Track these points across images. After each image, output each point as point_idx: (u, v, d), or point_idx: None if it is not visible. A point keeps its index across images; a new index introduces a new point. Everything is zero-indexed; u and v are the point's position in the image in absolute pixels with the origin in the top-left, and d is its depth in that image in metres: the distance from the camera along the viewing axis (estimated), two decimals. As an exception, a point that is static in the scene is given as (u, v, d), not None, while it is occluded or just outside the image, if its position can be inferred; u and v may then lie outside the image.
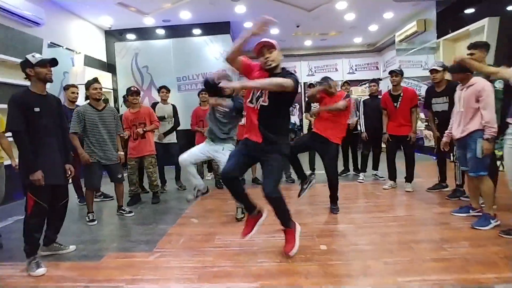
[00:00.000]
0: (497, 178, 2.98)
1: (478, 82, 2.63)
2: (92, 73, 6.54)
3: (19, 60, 4.41)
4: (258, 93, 2.12)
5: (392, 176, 4.12)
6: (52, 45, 5.55)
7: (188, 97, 7.07)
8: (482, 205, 2.94)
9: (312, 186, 3.05)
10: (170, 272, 2.12)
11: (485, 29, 5.12)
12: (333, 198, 3.26)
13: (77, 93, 4.00)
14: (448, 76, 3.55)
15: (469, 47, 3.18)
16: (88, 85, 3.32)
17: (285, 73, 2.17)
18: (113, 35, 7.46)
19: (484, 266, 1.99)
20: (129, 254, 2.43)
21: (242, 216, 3.04)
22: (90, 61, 6.72)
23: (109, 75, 7.31)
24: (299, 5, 6.45)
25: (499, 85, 2.98)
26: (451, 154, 3.65)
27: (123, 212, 3.50)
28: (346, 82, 5.11)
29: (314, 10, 6.66)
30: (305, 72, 10.67)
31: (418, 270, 1.98)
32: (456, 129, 2.81)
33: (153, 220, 3.29)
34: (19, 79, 4.68)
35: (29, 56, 2.29)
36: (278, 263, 2.18)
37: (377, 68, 10.54)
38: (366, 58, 10.52)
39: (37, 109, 2.21)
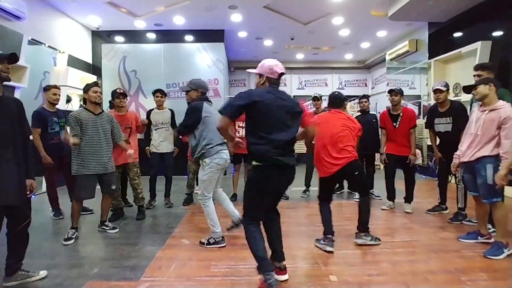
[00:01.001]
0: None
1: (504, 108, 2.48)
2: (76, 74, 6.16)
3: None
4: None
5: (391, 196, 4.00)
6: (33, 41, 5.15)
7: (177, 105, 6.75)
8: (493, 233, 2.84)
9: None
10: (163, 308, 1.83)
11: (477, 52, 5.21)
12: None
13: (59, 95, 3.66)
14: (451, 96, 3.52)
15: (476, 68, 3.13)
16: (87, 87, 3.04)
17: None
18: (101, 36, 7.10)
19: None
20: (113, 284, 2.11)
21: (232, 226, 2.96)
22: (74, 62, 6.32)
23: (94, 77, 6.88)
24: (295, 18, 6.39)
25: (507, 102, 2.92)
26: (452, 176, 3.57)
27: (105, 228, 3.17)
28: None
29: (310, 23, 6.62)
30: (295, 85, 10.66)
31: (442, 308, 1.80)
32: (465, 151, 2.69)
33: (139, 240, 2.97)
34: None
35: None
36: (287, 296, 1.94)
37: (366, 85, 10.68)
38: (356, 74, 10.65)
39: None
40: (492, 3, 5.11)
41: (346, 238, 2.93)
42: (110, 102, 3.96)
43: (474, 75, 3.09)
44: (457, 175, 3.40)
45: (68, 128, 3.13)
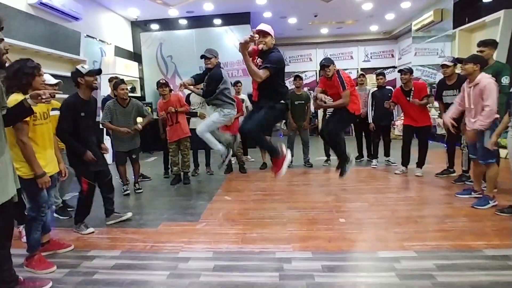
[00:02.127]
0: (499, 164, 3.32)
1: (483, 80, 2.91)
2: (122, 63, 7.03)
3: (62, 53, 4.99)
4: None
5: (405, 162, 4.47)
6: (88, 37, 6.01)
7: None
8: (484, 188, 3.33)
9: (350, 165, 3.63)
10: (218, 236, 2.62)
11: (500, 21, 5.29)
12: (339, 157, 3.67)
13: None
14: (458, 69, 3.83)
15: (479, 45, 3.47)
16: (116, 85, 3.87)
17: (269, 54, 2.73)
18: (139, 26, 7.87)
19: (477, 236, 2.41)
20: (180, 223, 2.95)
21: (221, 164, 3.56)
22: (119, 51, 7.18)
23: (136, 64, 7.78)
24: (317, -4, 6.68)
25: (505, 80, 3.28)
26: (460, 143, 3.98)
27: (135, 187, 4.12)
28: (362, 74, 5.43)
29: (333, 0, 6.87)
30: (321, 59, 10.87)
31: (421, 238, 2.42)
32: (470, 121, 3.09)
33: (191, 197, 3.81)
34: (63, 70, 5.26)
35: (79, 67, 2.68)
36: (305, 231, 2.66)
37: (392, 56, 10.65)
38: (382, 45, 10.63)
39: (82, 114, 2.64)
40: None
41: (358, 195, 3.56)
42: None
43: (477, 51, 3.43)
44: (462, 141, 3.82)
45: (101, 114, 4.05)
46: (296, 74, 5.30)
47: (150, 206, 3.57)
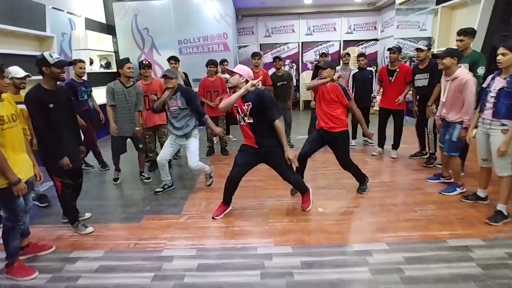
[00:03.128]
0: (468, 149, 3.49)
1: (463, 75, 2.95)
2: (94, 36, 6.58)
3: (26, 30, 4.60)
4: (242, 114, 2.72)
5: (381, 143, 4.65)
6: (54, 9, 5.52)
7: (189, 60, 7.19)
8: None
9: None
10: (201, 231, 2.69)
11: (482, 0, 5.26)
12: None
13: (84, 68, 4.22)
14: (436, 39, 3.84)
15: (459, 33, 3.47)
16: (122, 64, 3.70)
17: (254, 94, 2.67)
18: (110, -5, 7.27)
19: (443, 225, 2.60)
20: (163, 217, 2.99)
21: (210, 183, 3.71)
22: (90, 24, 6.69)
23: (109, 37, 7.30)
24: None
25: (481, 71, 3.35)
26: (426, 127, 4.12)
27: (143, 177, 4.05)
28: (347, 53, 5.34)
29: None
30: (304, 31, 10.59)
31: (393, 228, 2.59)
32: (445, 112, 3.18)
33: (174, 185, 3.83)
34: (29, 49, 4.89)
35: (46, 55, 2.38)
36: (285, 223, 2.77)
37: (375, 28, 10.50)
38: (365, 17, 10.41)
39: (51, 105, 2.41)
40: None
41: (336, 181, 3.70)
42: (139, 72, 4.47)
43: (457, 40, 3.45)
44: (428, 126, 3.97)
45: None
46: (275, 56, 5.17)
47: (132, 197, 3.57)
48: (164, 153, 3.46)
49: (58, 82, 2.52)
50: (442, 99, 3.18)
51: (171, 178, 3.62)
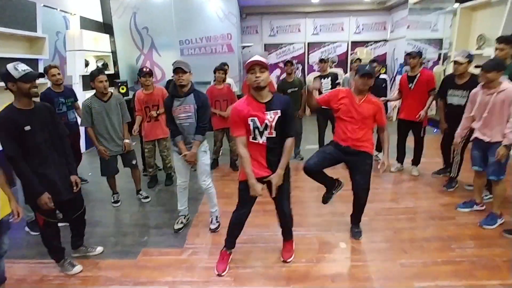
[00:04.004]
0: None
1: (510, 88, 2.60)
2: (90, 36, 6.17)
3: (15, 31, 4.20)
4: (262, 127, 2.09)
5: (401, 159, 4.25)
6: (46, 8, 5.11)
7: (191, 62, 6.69)
8: (485, 199, 3.17)
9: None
10: (207, 273, 2.32)
11: (509, 1, 4.87)
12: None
13: (58, 74, 3.61)
14: (473, 47, 3.33)
15: (500, 41, 3.06)
16: (92, 77, 3.18)
17: (280, 99, 2.16)
18: (107, -9, 6.84)
19: (489, 271, 2.23)
20: (163, 251, 2.61)
21: (217, 226, 2.95)
22: (86, 23, 6.28)
23: (107, 36, 6.89)
24: (312, -36, 5.92)
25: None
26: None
27: (141, 196, 3.66)
28: (358, 59, 4.95)
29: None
30: (310, 30, 10.15)
31: (431, 274, 2.22)
32: (485, 132, 2.78)
33: (174, 207, 3.44)
34: (20, 52, 4.48)
35: (10, 68, 1.98)
36: (304, 263, 2.40)
37: (385, 28, 10.06)
38: (374, 17, 9.96)
39: (27, 128, 2.01)
40: None
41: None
42: (138, 75, 4.02)
43: (496, 48, 3.06)
44: (455, 149, 3.52)
45: (81, 109, 3.33)
46: (287, 60, 4.73)
47: (128, 222, 3.19)
48: (183, 175, 2.81)
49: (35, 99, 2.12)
50: (473, 113, 2.77)
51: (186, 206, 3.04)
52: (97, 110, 3.17)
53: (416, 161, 4.15)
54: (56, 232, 2.31)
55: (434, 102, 3.98)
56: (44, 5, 5.06)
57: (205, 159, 2.85)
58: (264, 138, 2.11)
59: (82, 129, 3.57)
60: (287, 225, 2.45)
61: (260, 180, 2.15)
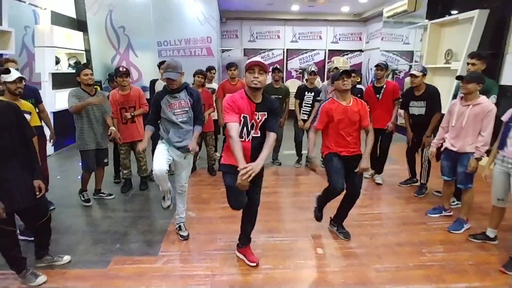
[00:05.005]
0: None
1: (487, 103, 2.73)
2: (62, 32, 5.89)
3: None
4: (250, 126, 2.16)
5: (372, 165, 4.33)
6: (15, 1, 4.82)
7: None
8: (453, 205, 3.33)
9: None
10: (182, 281, 2.25)
11: (474, 20, 5.20)
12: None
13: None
14: (441, 62, 3.53)
15: (472, 56, 3.22)
16: (78, 71, 3.24)
17: (269, 101, 2.26)
18: (82, -13, 6.58)
19: (457, 274, 2.33)
20: (136, 259, 2.50)
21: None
22: (57, 18, 5.99)
23: (80, 34, 6.61)
24: (292, -27, 6.03)
25: (493, 99, 3.11)
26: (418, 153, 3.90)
27: (102, 195, 3.65)
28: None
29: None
30: (289, 38, 10.34)
31: (404, 278, 2.29)
32: (455, 142, 2.91)
33: (150, 213, 3.34)
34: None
35: None
36: (281, 269, 2.39)
37: (360, 39, 10.47)
38: (351, 27, 10.35)
39: None
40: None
41: (330, 209, 3.37)
42: (109, 75, 3.93)
43: (468, 63, 3.22)
44: (424, 156, 3.72)
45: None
46: (274, 66, 4.73)
47: (98, 229, 3.03)
48: (161, 163, 2.57)
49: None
50: (452, 124, 2.92)
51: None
52: (84, 101, 3.22)
53: (380, 170, 4.24)
54: (15, 241, 2.15)
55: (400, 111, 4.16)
56: (12, -2, 4.77)
57: (189, 158, 2.79)
58: (250, 137, 2.18)
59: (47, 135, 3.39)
60: (250, 222, 2.44)
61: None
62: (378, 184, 4.17)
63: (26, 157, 2.10)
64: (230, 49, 10.12)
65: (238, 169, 1.98)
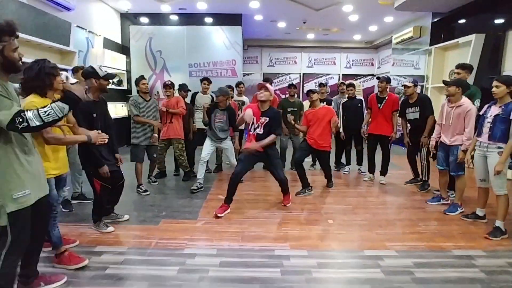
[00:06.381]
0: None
1: (466, 104, 3.29)
2: (110, 55, 6.94)
3: (53, 44, 4.90)
4: (256, 125, 3.44)
5: (372, 169, 4.77)
6: (79, 27, 5.90)
7: (198, 83, 7.54)
8: (450, 196, 3.77)
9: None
10: (218, 234, 2.82)
11: (472, 43, 5.83)
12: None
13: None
14: (435, 99, 4.12)
15: (457, 67, 3.86)
16: (137, 81, 4.05)
17: (272, 112, 3.48)
18: (128, 18, 7.77)
19: (446, 238, 2.79)
20: (180, 221, 3.11)
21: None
22: (107, 43, 7.07)
23: (123, 57, 7.68)
24: (309, 5, 6.96)
25: (477, 103, 3.68)
26: (419, 155, 4.30)
27: (150, 180, 4.42)
28: (342, 83, 5.65)
29: (322, 10, 7.18)
30: (305, 63, 11.24)
31: (400, 239, 2.76)
32: (446, 136, 3.46)
33: (187, 195, 3.96)
34: (52, 61, 5.15)
35: (96, 67, 2.70)
36: (299, 230, 2.92)
37: (372, 64, 11.22)
38: (363, 54, 11.16)
39: (95, 115, 2.64)
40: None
41: (342, 198, 3.89)
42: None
43: (454, 72, 3.84)
44: (422, 155, 4.18)
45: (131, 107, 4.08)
46: (290, 83, 5.49)
47: (145, 204, 3.67)
48: (206, 153, 4.16)
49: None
50: (443, 122, 3.48)
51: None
52: (141, 107, 3.99)
53: (383, 172, 4.67)
54: (109, 197, 2.89)
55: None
56: (77, 26, 5.84)
57: (230, 143, 4.35)
58: (256, 132, 3.42)
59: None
60: (283, 186, 3.57)
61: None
62: (382, 184, 4.59)
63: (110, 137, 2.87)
64: (251, 73, 11.08)
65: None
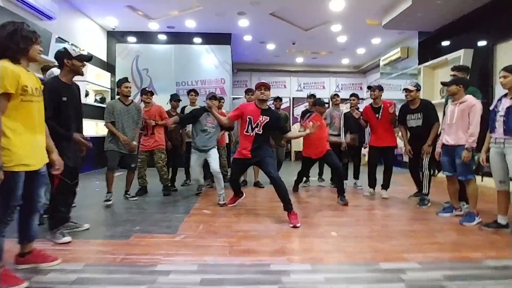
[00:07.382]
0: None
1: (471, 99, 3.04)
2: (93, 71, 6.63)
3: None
4: (254, 125, 3.16)
5: (372, 184, 4.34)
6: (60, 40, 5.62)
7: (186, 101, 7.24)
8: (463, 208, 3.38)
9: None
10: (201, 249, 2.30)
11: (461, 59, 5.81)
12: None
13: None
14: (437, 99, 3.91)
15: (452, 69, 3.67)
16: (120, 83, 3.74)
17: (273, 112, 3.34)
18: (114, 36, 7.60)
19: (472, 248, 2.36)
20: (155, 235, 2.59)
21: (224, 202, 3.65)
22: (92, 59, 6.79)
23: (108, 74, 7.39)
24: (298, 24, 6.97)
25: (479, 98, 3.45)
26: (421, 166, 3.87)
27: (128, 196, 3.88)
28: (336, 94, 5.44)
29: (311, 30, 7.20)
30: (295, 87, 11.23)
31: (419, 250, 2.31)
32: (449, 137, 3.15)
33: (167, 210, 3.45)
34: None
35: (69, 47, 2.48)
36: (297, 243, 2.45)
37: (361, 89, 11.28)
38: (352, 78, 11.27)
39: (64, 98, 2.38)
40: (474, 15, 5.72)
41: (342, 211, 3.45)
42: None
43: (451, 75, 3.63)
44: (424, 164, 3.75)
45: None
46: (276, 96, 5.25)
47: (117, 218, 3.14)
48: (197, 170, 3.92)
49: None
50: (447, 122, 3.18)
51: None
52: (119, 110, 3.66)
53: (385, 185, 4.26)
54: (66, 199, 2.46)
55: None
56: (59, 37, 5.57)
57: (216, 151, 3.88)
58: (254, 132, 3.16)
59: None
60: (280, 191, 3.01)
61: (242, 160, 3.28)
62: (384, 198, 4.16)
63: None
64: (241, 97, 10.92)
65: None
